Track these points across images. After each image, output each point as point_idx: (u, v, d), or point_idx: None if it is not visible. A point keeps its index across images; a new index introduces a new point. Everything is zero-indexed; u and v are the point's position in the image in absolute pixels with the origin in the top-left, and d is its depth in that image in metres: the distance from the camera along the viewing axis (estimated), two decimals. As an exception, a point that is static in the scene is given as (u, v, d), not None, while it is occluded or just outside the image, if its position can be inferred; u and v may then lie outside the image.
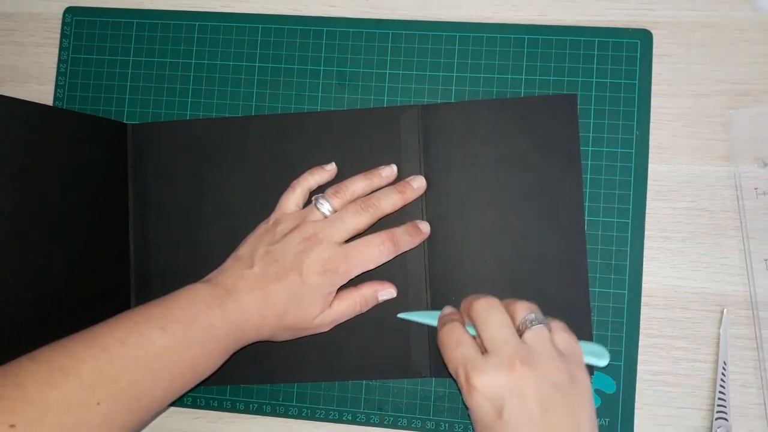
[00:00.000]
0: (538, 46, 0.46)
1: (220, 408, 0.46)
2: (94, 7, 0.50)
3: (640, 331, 0.44)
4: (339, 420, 0.45)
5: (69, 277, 0.42)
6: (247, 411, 0.46)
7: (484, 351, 0.36)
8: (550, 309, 0.42)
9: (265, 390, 0.46)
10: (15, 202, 0.39)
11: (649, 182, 0.44)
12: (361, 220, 0.42)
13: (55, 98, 0.49)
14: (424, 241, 0.44)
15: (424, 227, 0.44)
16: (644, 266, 0.44)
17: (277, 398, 0.46)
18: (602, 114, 0.45)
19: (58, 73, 0.49)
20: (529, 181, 0.44)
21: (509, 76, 0.46)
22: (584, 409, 0.35)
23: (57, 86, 0.49)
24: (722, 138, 0.45)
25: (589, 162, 0.45)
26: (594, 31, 0.45)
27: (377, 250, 0.41)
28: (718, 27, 0.45)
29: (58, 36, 0.50)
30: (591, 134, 0.45)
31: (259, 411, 0.46)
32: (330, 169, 0.45)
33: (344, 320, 0.43)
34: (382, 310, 0.44)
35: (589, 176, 0.45)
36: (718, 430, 0.42)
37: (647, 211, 0.44)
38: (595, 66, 0.45)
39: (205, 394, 0.46)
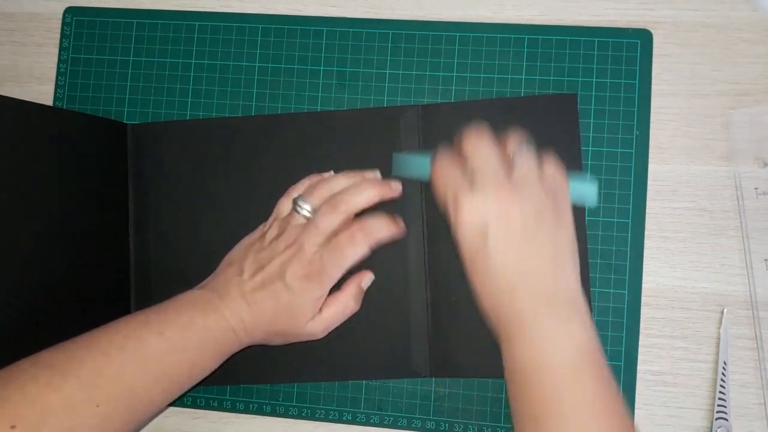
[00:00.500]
0: (538, 46, 0.46)
1: (220, 408, 0.46)
2: (94, 7, 0.50)
3: (640, 331, 0.44)
4: (339, 420, 0.45)
5: (69, 278, 0.42)
6: (247, 411, 0.46)
7: (473, 183, 0.37)
8: None
9: (265, 390, 0.46)
10: (14, 201, 0.39)
11: (649, 182, 0.44)
12: (333, 220, 0.41)
13: (55, 98, 0.49)
14: (424, 241, 0.44)
15: (400, 222, 0.43)
16: (644, 266, 0.44)
17: (277, 398, 0.46)
18: (602, 114, 0.45)
19: (58, 73, 0.49)
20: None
21: (509, 76, 0.46)
22: (565, 242, 0.36)
23: (57, 86, 0.49)
24: (722, 138, 0.45)
25: (589, 162, 0.45)
26: (594, 31, 0.45)
27: (350, 248, 0.41)
28: (718, 27, 0.45)
29: (58, 36, 0.50)
30: (591, 134, 0.45)
31: (259, 411, 0.46)
32: (327, 177, 0.45)
33: (338, 324, 0.43)
34: (382, 310, 0.44)
35: (589, 176, 0.45)
36: (718, 430, 0.42)
37: (647, 211, 0.44)
38: (595, 66, 0.45)
39: (205, 394, 0.46)
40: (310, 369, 0.45)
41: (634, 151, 0.44)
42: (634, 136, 0.45)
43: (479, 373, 0.44)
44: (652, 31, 0.45)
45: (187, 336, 0.37)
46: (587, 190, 0.39)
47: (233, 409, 0.46)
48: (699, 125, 0.45)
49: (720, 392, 0.42)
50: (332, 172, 0.45)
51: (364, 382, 0.45)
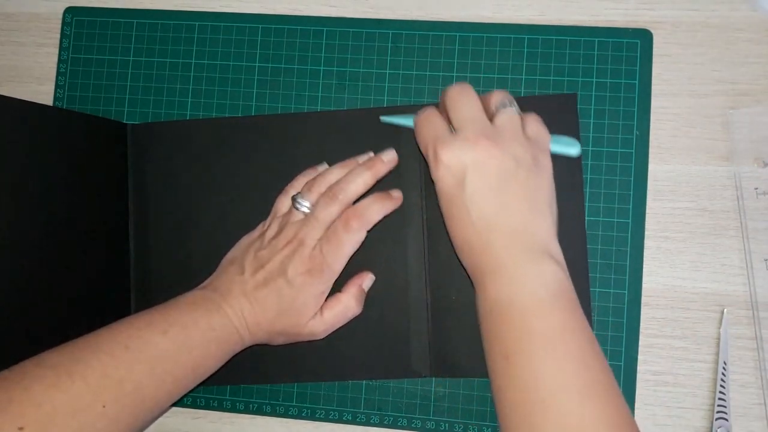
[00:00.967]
0: (538, 46, 0.46)
1: (220, 408, 0.46)
2: (94, 7, 0.50)
3: (640, 331, 0.44)
4: (339, 420, 0.45)
5: (68, 278, 0.42)
6: (247, 411, 0.46)
7: (454, 131, 0.38)
8: None
9: (265, 390, 0.46)
10: (14, 202, 0.39)
11: (649, 182, 0.44)
12: (332, 210, 0.41)
13: (55, 98, 0.49)
14: (424, 241, 0.44)
15: (396, 193, 0.43)
16: (644, 266, 0.44)
17: (277, 398, 0.46)
18: (602, 114, 0.45)
19: (58, 73, 0.49)
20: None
21: (509, 76, 0.46)
22: (543, 191, 0.37)
23: (57, 86, 0.49)
24: (722, 138, 0.45)
25: (589, 162, 0.45)
26: (594, 31, 0.45)
27: (346, 235, 0.41)
28: (718, 27, 0.45)
29: (58, 36, 0.50)
30: (591, 134, 0.45)
31: (259, 411, 0.46)
32: (321, 170, 0.45)
33: (339, 325, 0.43)
34: (383, 310, 0.44)
35: (589, 176, 0.45)
36: (718, 430, 0.42)
37: (647, 211, 0.44)
38: (595, 66, 0.45)
39: (205, 394, 0.46)
40: (310, 369, 0.45)
41: (634, 151, 0.44)
42: (634, 136, 0.45)
43: (479, 373, 0.44)
44: (652, 31, 0.45)
45: (190, 335, 0.37)
46: (568, 141, 0.40)
47: (233, 409, 0.46)
48: (699, 125, 0.45)
49: (720, 392, 0.42)
50: (326, 165, 0.45)
51: (364, 382, 0.45)
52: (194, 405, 0.46)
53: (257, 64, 0.48)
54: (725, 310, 0.43)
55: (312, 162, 0.45)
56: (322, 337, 0.42)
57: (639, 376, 0.43)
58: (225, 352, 0.39)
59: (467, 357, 0.44)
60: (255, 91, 0.48)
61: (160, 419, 0.47)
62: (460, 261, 0.38)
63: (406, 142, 0.45)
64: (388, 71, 0.47)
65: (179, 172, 0.47)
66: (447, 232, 0.38)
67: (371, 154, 0.44)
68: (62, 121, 0.43)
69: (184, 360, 0.37)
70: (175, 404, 0.46)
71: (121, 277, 0.46)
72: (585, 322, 0.34)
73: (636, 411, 0.43)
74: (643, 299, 0.44)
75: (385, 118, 0.44)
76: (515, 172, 0.36)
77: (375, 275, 0.44)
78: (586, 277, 0.43)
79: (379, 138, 0.45)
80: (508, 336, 0.34)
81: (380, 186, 0.44)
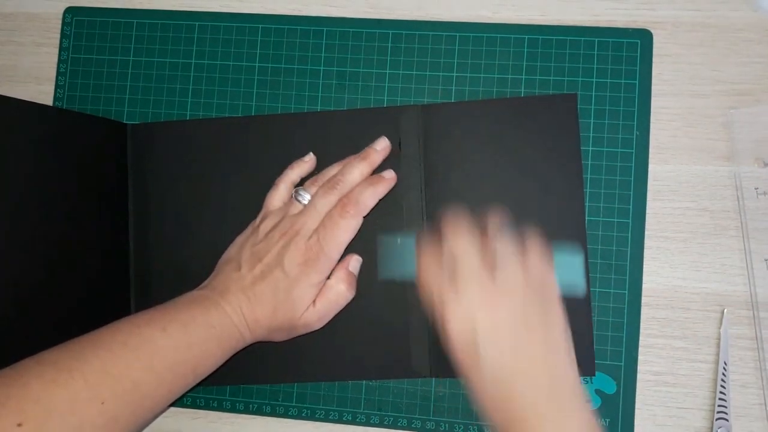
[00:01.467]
0: (538, 46, 0.46)
1: (220, 408, 0.46)
2: (94, 7, 0.50)
3: (641, 331, 0.44)
4: (339, 420, 0.45)
5: (68, 278, 0.42)
6: (247, 411, 0.46)
7: (457, 287, 0.37)
8: None
9: (265, 390, 0.46)
10: (14, 201, 0.39)
11: (650, 182, 0.44)
12: (331, 199, 0.42)
13: (55, 98, 0.49)
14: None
15: (388, 173, 0.43)
16: (644, 266, 0.44)
17: (277, 398, 0.46)
18: (602, 114, 0.45)
19: (58, 73, 0.49)
20: (529, 180, 0.44)
21: (509, 76, 0.46)
22: (558, 336, 0.36)
23: (57, 86, 0.49)
24: (722, 138, 0.45)
25: (589, 162, 0.45)
26: (594, 31, 0.45)
27: (342, 221, 0.41)
28: (718, 27, 0.45)
29: (58, 36, 0.50)
30: (591, 134, 0.45)
31: (259, 411, 0.46)
32: (308, 160, 0.45)
33: (334, 312, 0.43)
34: (382, 310, 0.44)
35: (589, 176, 0.45)
36: (718, 430, 0.42)
37: (647, 211, 0.44)
38: (595, 66, 0.45)
39: (204, 394, 0.46)
40: (309, 369, 0.45)
41: (634, 151, 0.44)
42: (635, 136, 0.45)
43: None
44: (653, 31, 0.45)
45: (189, 333, 0.37)
46: (574, 282, 0.39)
47: (233, 410, 0.46)
48: (699, 125, 0.45)
49: (720, 392, 0.42)
50: (312, 155, 0.45)
51: (364, 382, 0.45)
52: (194, 405, 0.46)
53: (257, 64, 0.48)
54: (725, 310, 0.43)
55: None
56: (318, 327, 0.42)
57: (639, 376, 0.43)
58: (225, 350, 0.39)
59: None
60: (255, 91, 0.48)
61: (160, 419, 0.47)
62: (484, 415, 0.37)
63: (406, 142, 0.45)
64: (388, 71, 0.47)
65: (179, 172, 0.47)
66: (468, 388, 0.37)
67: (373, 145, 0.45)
68: (62, 121, 0.43)
69: (184, 357, 0.37)
70: (174, 404, 0.46)
71: (120, 277, 0.46)
72: None
73: (636, 411, 0.43)
74: (644, 299, 0.44)
75: (384, 275, 0.44)
76: (526, 325, 0.35)
77: (374, 274, 0.44)
78: (587, 276, 0.43)
79: (377, 137, 0.45)
80: None
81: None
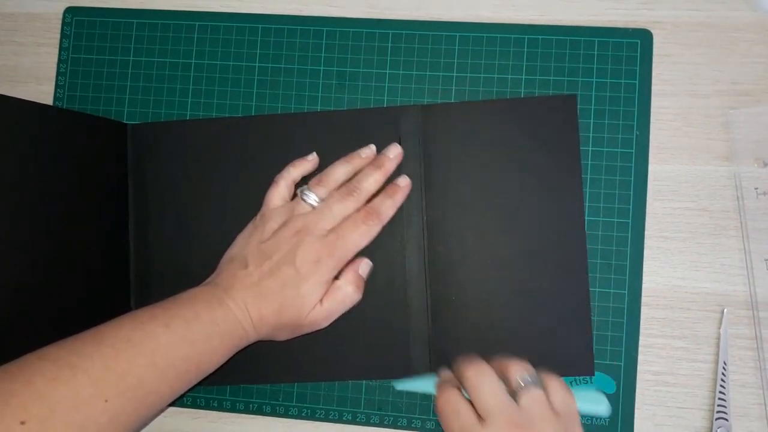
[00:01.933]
0: (538, 46, 0.46)
1: (220, 408, 0.46)
2: (94, 7, 0.50)
3: (640, 331, 0.44)
4: (339, 420, 0.45)
5: (68, 278, 0.42)
6: (247, 411, 0.46)
7: (481, 418, 0.35)
8: (549, 312, 0.42)
9: (265, 390, 0.46)
10: (14, 201, 0.39)
11: (649, 182, 0.44)
12: (348, 205, 0.42)
13: (55, 98, 0.49)
14: (424, 241, 0.44)
15: (402, 181, 0.44)
16: (644, 266, 0.44)
17: (277, 398, 0.46)
18: (602, 114, 0.45)
19: (58, 73, 0.49)
20: (528, 181, 0.44)
21: (509, 76, 0.46)
22: None
23: (57, 86, 0.49)
24: (722, 138, 0.45)
25: (589, 162, 0.45)
26: (594, 31, 0.45)
27: (364, 227, 0.41)
28: (718, 27, 0.45)
29: (58, 36, 0.50)
30: (591, 134, 0.45)
31: (259, 411, 0.46)
32: (311, 159, 0.45)
33: (340, 312, 0.43)
34: (382, 310, 0.44)
35: (589, 176, 0.45)
36: (718, 430, 0.42)
37: (647, 211, 0.44)
38: (595, 66, 0.45)
39: (205, 394, 0.46)
40: (310, 369, 0.45)
41: (634, 151, 0.44)
42: (634, 136, 0.45)
43: None
44: (652, 31, 0.45)
45: (193, 329, 0.37)
46: (595, 398, 0.39)
47: (233, 409, 0.46)
48: (699, 125, 0.45)
49: (720, 392, 0.42)
50: (315, 155, 0.45)
51: (364, 382, 0.45)
52: (194, 405, 0.46)
53: (257, 64, 0.48)
54: (725, 310, 0.43)
55: None
56: (324, 326, 0.42)
57: (639, 376, 0.43)
58: (229, 347, 0.39)
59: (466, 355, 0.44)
60: (255, 91, 0.48)
61: (160, 418, 0.47)
62: None
63: (406, 142, 0.45)
64: (388, 71, 0.47)
65: (179, 172, 0.47)
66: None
67: (372, 147, 0.45)
68: (62, 121, 0.43)
69: (187, 353, 0.37)
70: (174, 404, 0.46)
71: (120, 277, 0.46)
72: None
73: (636, 411, 0.43)
74: (643, 299, 0.44)
75: (400, 386, 0.44)
76: None
77: (374, 274, 0.44)
78: (586, 278, 0.43)
79: (379, 139, 0.45)
80: None
81: (380, 190, 0.44)
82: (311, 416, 0.45)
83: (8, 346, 0.37)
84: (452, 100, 0.46)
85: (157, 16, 0.49)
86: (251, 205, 0.45)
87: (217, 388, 0.46)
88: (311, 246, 0.40)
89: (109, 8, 0.50)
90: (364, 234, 0.42)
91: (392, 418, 0.45)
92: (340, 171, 0.44)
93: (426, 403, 0.45)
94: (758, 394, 0.43)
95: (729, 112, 0.44)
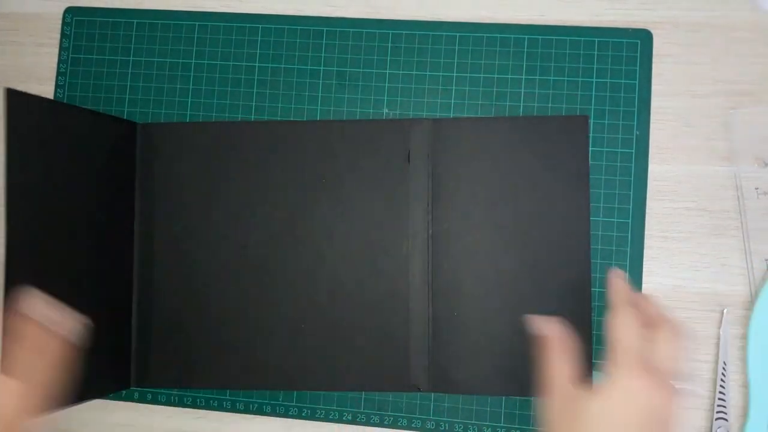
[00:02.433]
0: (538, 46, 0.46)
1: (220, 408, 0.46)
2: (94, 7, 0.50)
3: (641, 331, 0.44)
4: (339, 420, 0.45)
5: (72, 276, 0.42)
6: (247, 411, 0.46)
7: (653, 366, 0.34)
8: None
9: (265, 390, 0.46)
10: (24, 197, 0.39)
11: (650, 182, 0.44)
12: None
13: (55, 98, 0.49)
14: (428, 256, 0.44)
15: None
16: (644, 266, 0.44)
17: (276, 398, 0.46)
18: (602, 114, 0.45)
19: (58, 73, 0.49)
20: (536, 201, 0.44)
21: (509, 76, 0.46)
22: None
23: (57, 86, 0.49)
24: (722, 138, 0.45)
25: (590, 162, 0.45)
26: (594, 31, 0.45)
27: None
28: (718, 27, 0.45)
29: (58, 36, 0.50)
30: (591, 134, 0.45)
31: (259, 411, 0.46)
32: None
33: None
34: (383, 322, 0.44)
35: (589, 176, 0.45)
36: (718, 430, 0.42)
37: (647, 211, 0.44)
38: (595, 66, 0.45)
39: (205, 394, 0.46)
40: (307, 378, 0.45)
41: (634, 151, 0.44)
42: (635, 136, 0.45)
43: (478, 391, 0.44)
44: (652, 32, 0.45)
45: None
46: None
47: (233, 409, 0.46)
48: (699, 125, 0.45)
49: (720, 392, 0.42)
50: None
51: (364, 382, 0.45)
52: (194, 405, 0.46)
53: (257, 64, 0.48)
54: (725, 310, 0.43)
55: (320, 169, 0.45)
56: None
57: (639, 376, 0.43)
58: None
59: (467, 373, 0.43)
60: (255, 91, 0.48)
61: (161, 418, 0.47)
62: None
63: (415, 155, 0.45)
64: (388, 71, 0.47)
65: (187, 174, 0.47)
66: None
67: None
68: (71, 117, 0.43)
69: None
70: (175, 404, 0.46)
71: (123, 278, 0.46)
72: None
73: (636, 411, 0.43)
74: (643, 299, 0.44)
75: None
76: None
77: (377, 285, 0.44)
78: (590, 297, 0.43)
79: (387, 151, 0.45)
80: None
81: (383, 193, 0.44)
82: (311, 416, 0.45)
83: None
84: (452, 100, 0.46)
85: (157, 16, 0.49)
86: (257, 209, 0.45)
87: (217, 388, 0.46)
88: None
89: (109, 8, 0.50)
90: None
91: (392, 418, 0.45)
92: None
93: (426, 403, 0.45)
94: (758, 394, 0.43)
95: (729, 112, 0.44)
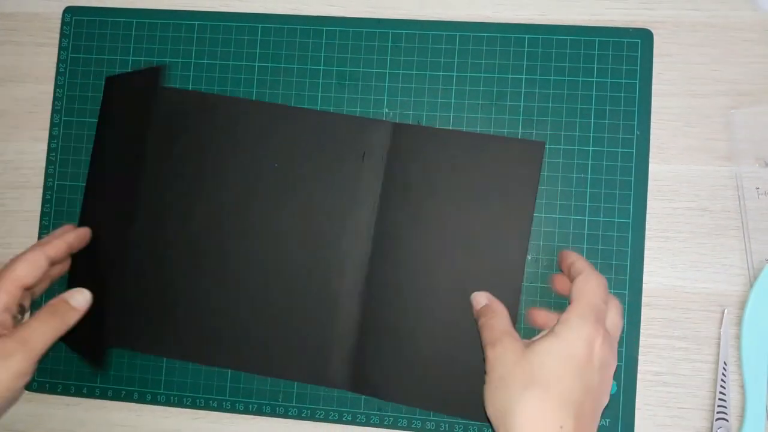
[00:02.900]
0: (538, 46, 0.46)
1: (220, 408, 0.46)
2: (94, 6, 0.50)
3: (641, 331, 0.44)
4: (339, 420, 0.45)
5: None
6: (247, 411, 0.46)
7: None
8: (475, 353, 0.41)
9: (265, 390, 0.46)
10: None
11: (650, 182, 0.44)
12: None
13: (55, 98, 0.49)
14: (368, 258, 0.44)
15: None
16: (645, 266, 0.44)
17: (276, 398, 0.46)
18: (603, 114, 0.45)
19: (58, 73, 0.49)
20: (480, 219, 0.44)
21: (509, 76, 0.46)
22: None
23: (57, 86, 0.49)
24: (723, 138, 0.44)
25: (590, 162, 0.45)
26: (594, 30, 0.45)
27: None
28: (718, 27, 0.45)
29: (57, 36, 0.50)
30: (591, 134, 0.45)
31: (259, 411, 0.46)
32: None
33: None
34: (308, 312, 0.45)
35: (589, 176, 0.44)
36: (718, 430, 0.42)
37: (648, 211, 0.44)
38: (595, 66, 0.45)
39: (205, 394, 0.46)
40: (228, 354, 0.45)
41: (634, 151, 0.44)
42: (635, 136, 0.45)
43: (398, 399, 0.44)
44: (653, 31, 0.45)
45: None
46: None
47: (233, 410, 0.46)
48: (700, 125, 0.45)
49: (720, 392, 0.42)
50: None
51: (364, 382, 0.45)
52: (194, 405, 0.46)
53: (257, 64, 0.48)
54: (726, 310, 0.43)
55: (278, 154, 0.46)
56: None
57: (639, 376, 0.43)
58: None
59: (389, 381, 0.43)
60: (255, 90, 0.48)
61: (160, 418, 0.47)
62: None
63: (369, 156, 0.45)
64: (388, 71, 0.47)
65: (173, 144, 0.47)
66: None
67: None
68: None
69: None
70: (174, 405, 0.46)
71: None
72: None
73: (636, 411, 0.43)
74: (644, 299, 0.44)
75: None
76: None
77: (311, 277, 0.45)
78: (517, 309, 0.43)
79: (345, 146, 0.45)
80: None
81: (333, 187, 0.45)
82: (311, 417, 0.45)
83: None
84: (452, 100, 0.46)
85: (157, 15, 0.49)
86: (206, 185, 0.46)
87: (217, 388, 0.46)
88: None
89: (108, 8, 0.49)
90: None
91: (392, 419, 0.45)
92: None
93: (426, 403, 0.45)
94: (759, 395, 0.42)
95: (730, 112, 0.44)
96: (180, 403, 0.46)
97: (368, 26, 0.47)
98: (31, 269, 0.41)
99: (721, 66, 0.45)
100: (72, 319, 0.41)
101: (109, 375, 0.47)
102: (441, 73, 0.46)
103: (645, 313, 0.44)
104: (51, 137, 0.49)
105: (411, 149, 0.45)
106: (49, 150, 0.49)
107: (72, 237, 0.44)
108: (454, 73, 0.46)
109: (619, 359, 0.43)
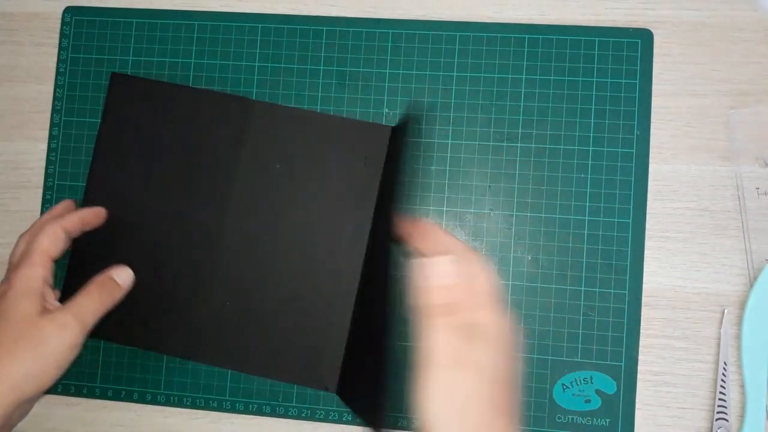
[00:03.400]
0: (538, 46, 0.46)
1: (220, 408, 0.46)
2: (94, 6, 0.50)
3: (641, 331, 0.44)
4: (339, 420, 0.45)
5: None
6: (246, 411, 0.46)
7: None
8: (312, 322, 0.44)
9: (265, 390, 0.46)
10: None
11: (650, 182, 0.44)
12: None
13: (55, 98, 0.49)
14: (361, 269, 0.44)
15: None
16: (645, 266, 0.44)
17: (276, 398, 0.46)
18: (603, 114, 0.45)
19: (58, 73, 0.49)
20: (327, 198, 0.45)
21: (509, 76, 0.46)
22: None
23: (57, 86, 0.49)
24: (723, 138, 0.44)
25: (590, 162, 0.45)
26: (594, 30, 0.45)
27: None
28: (718, 27, 0.45)
29: (57, 36, 0.50)
30: (591, 134, 0.45)
31: (259, 411, 0.46)
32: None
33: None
34: (307, 309, 0.45)
35: (589, 176, 0.45)
36: (718, 430, 0.42)
37: (648, 211, 0.44)
38: (595, 65, 0.45)
39: (205, 394, 0.46)
40: (213, 349, 0.45)
41: (634, 151, 0.44)
42: (635, 136, 0.45)
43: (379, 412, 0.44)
44: (653, 31, 0.45)
45: None
46: None
47: (233, 410, 0.46)
48: (700, 125, 0.45)
49: (720, 392, 0.42)
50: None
51: (364, 382, 0.45)
52: (194, 405, 0.46)
53: (257, 64, 0.48)
54: (726, 310, 0.43)
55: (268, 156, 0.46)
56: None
57: (639, 376, 0.43)
58: None
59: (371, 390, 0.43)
60: (255, 90, 0.48)
61: (160, 418, 0.47)
62: None
63: (369, 165, 0.45)
64: (388, 71, 0.47)
65: (155, 136, 0.47)
66: None
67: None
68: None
69: None
70: (174, 404, 0.46)
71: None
72: None
73: (636, 411, 0.43)
74: (644, 299, 0.44)
75: None
76: None
77: (309, 279, 0.45)
78: (351, 305, 0.44)
79: (215, 120, 0.46)
80: None
81: (335, 192, 0.45)
82: (311, 416, 0.45)
83: None
84: (452, 100, 0.46)
85: (157, 15, 0.49)
86: (193, 179, 0.46)
87: (217, 388, 0.46)
88: None
89: (108, 8, 0.49)
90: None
91: (392, 419, 0.45)
92: None
93: (426, 403, 0.45)
94: (759, 395, 0.43)
95: (730, 112, 0.44)
96: (180, 403, 0.46)
97: (368, 26, 0.47)
98: (54, 241, 0.41)
99: (721, 66, 0.45)
100: (118, 295, 0.42)
101: (109, 375, 0.47)
102: (441, 73, 0.46)
103: (645, 313, 0.44)
104: (51, 137, 0.49)
105: (269, 129, 0.46)
106: (49, 150, 0.49)
107: (87, 213, 0.44)
108: (454, 73, 0.46)
109: (619, 359, 0.43)
